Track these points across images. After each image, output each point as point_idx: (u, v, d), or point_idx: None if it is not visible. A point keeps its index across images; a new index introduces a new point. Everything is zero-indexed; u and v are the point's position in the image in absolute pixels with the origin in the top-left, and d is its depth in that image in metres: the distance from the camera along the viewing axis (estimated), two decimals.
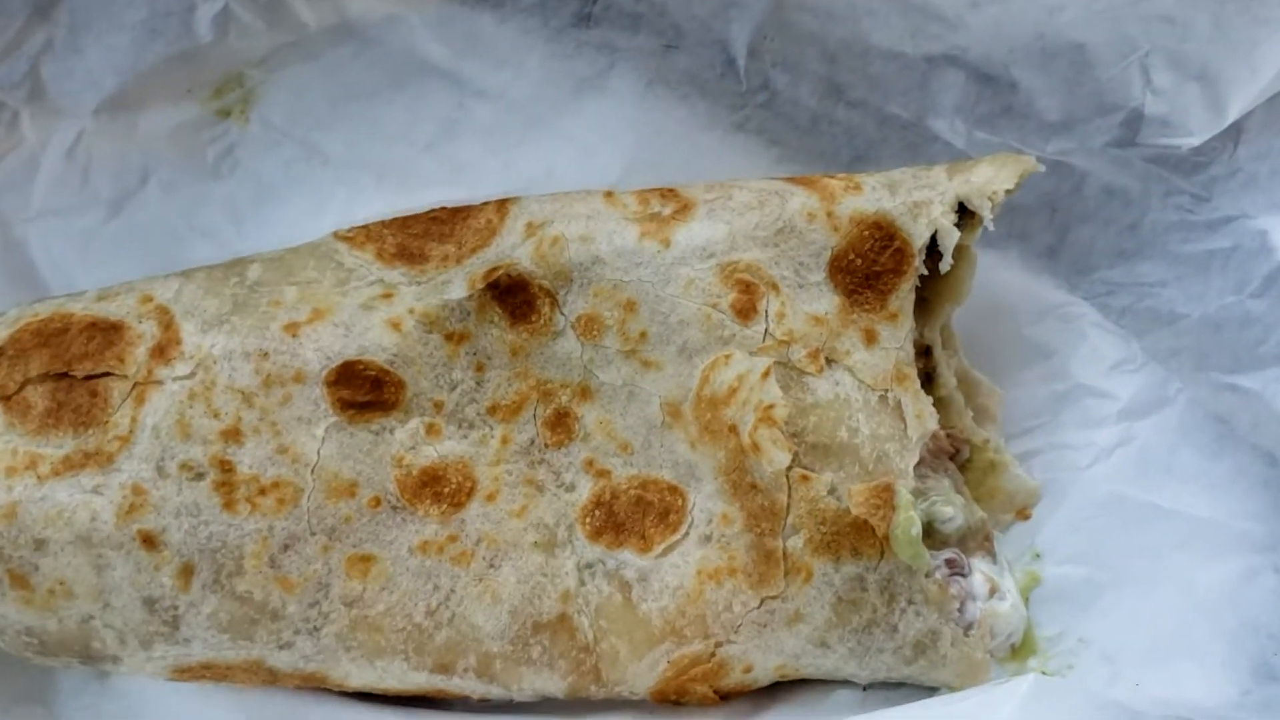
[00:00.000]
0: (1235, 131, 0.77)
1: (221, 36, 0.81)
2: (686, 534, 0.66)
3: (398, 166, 0.83)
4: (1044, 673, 0.71)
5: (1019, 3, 0.78)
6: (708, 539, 0.66)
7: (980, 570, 0.69)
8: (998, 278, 0.81)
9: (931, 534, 0.69)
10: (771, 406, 0.65)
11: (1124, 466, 0.78)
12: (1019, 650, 0.72)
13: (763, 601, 0.65)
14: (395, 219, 0.71)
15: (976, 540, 0.71)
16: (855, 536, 0.65)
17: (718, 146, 0.83)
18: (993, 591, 0.68)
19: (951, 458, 0.74)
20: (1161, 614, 0.73)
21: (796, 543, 0.65)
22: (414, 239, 0.70)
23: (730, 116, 0.83)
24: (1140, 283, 0.80)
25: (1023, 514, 0.75)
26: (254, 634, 0.66)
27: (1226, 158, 0.77)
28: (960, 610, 0.67)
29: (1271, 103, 0.76)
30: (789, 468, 0.65)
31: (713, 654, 0.66)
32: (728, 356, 0.67)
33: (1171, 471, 0.77)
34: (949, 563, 0.68)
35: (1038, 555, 0.76)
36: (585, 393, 0.68)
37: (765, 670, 0.67)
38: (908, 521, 0.64)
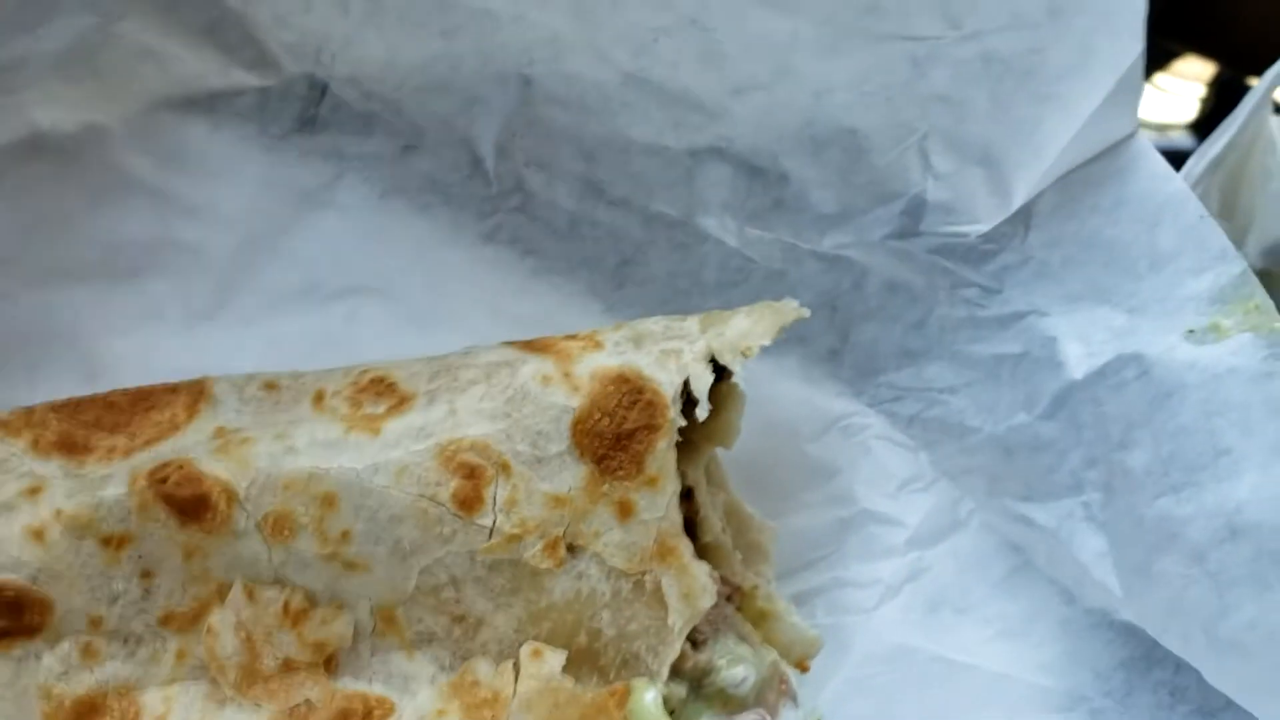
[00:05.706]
0: (1025, 216, 0.71)
1: None
2: None
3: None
4: None
5: (785, 88, 0.71)
6: None
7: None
8: (775, 389, 0.74)
9: (728, 701, 0.61)
10: None
11: (913, 607, 0.73)
12: None
13: None
14: (69, 401, 0.62)
15: (774, 689, 0.64)
16: (593, 714, 0.57)
17: (464, 261, 0.74)
18: None
19: (728, 599, 0.67)
20: None
21: None
22: (81, 428, 0.60)
23: (478, 225, 0.75)
24: (928, 387, 0.75)
25: (801, 665, 0.69)
26: None
27: (1017, 244, 0.72)
28: None
29: (1061, 185, 0.70)
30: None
31: None
32: None
33: (965, 613, 0.72)
34: None
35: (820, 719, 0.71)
36: None
37: None
38: (650, 703, 0.57)
